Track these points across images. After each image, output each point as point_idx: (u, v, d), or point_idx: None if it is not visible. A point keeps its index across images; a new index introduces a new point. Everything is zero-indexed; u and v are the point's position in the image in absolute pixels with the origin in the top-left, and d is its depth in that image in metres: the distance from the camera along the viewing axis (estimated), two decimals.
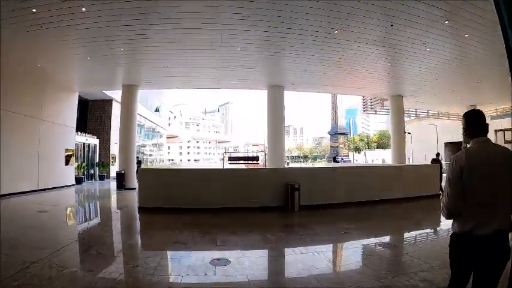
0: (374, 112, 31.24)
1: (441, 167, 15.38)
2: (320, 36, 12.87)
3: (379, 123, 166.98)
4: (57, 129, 19.08)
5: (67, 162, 20.05)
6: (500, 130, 35.90)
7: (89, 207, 12.98)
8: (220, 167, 29.08)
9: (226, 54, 14.70)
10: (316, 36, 12.86)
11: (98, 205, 13.24)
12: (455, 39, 12.86)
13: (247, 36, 12.74)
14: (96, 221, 10.01)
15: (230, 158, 28.48)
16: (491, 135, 32.01)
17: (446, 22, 11.26)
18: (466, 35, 12.37)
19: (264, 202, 10.64)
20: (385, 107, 27.92)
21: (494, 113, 33.98)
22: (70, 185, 19.94)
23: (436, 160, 16.02)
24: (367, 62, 15.98)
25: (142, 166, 24.29)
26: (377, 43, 13.52)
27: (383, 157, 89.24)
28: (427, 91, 22.50)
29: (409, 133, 27.35)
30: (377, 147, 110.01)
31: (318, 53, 14.71)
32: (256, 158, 27.16)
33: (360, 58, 15.36)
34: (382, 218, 10.07)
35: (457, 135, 42.71)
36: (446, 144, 46.96)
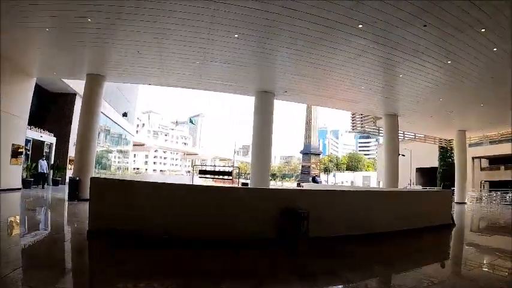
0: (363, 131, 29.38)
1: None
2: (314, 42, 11.52)
3: (347, 145, 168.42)
4: (4, 119, 15.54)
5: (15, 161, 16.66)
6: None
7: (17, 224, 9.20)
8: (188, 180, 26.73)
9: (213, 47, 12.43)
10: (309, 42, 11.51)
11: (32, 221, 9.69)
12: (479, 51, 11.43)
13: (240, 29, 10.86)
14: (15, 251, 5.85)
15: (201, 172, 27.30)
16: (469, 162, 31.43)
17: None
18: (495, 49, 11.20)
19: (256, 233, 7.33)
20: (376, 126, 26.00)
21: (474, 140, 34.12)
22: (13, 189, 16.32)
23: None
24: (366, 73, 14.36)
25: (97, 174, 21.33)
26: (379, 54, 12.30)
27: (352, 179, 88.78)
28: (424, 111, 20.63)
29: (404, 155, 25.31)
30: (346, 169, 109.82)
31: (313, 59, 13.07)
32: (229, 173, 25.32)
33: (358, 69, 13.89)
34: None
35: (431, 161, 41.94)
36: (418, 169, 46.25)
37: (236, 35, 11.29)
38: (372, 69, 13.85)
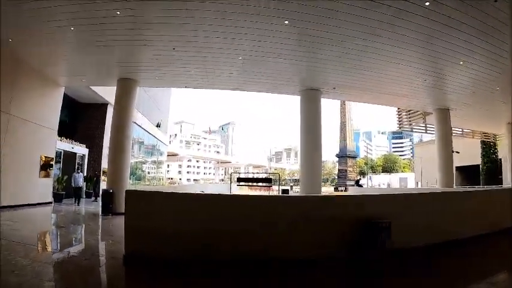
0: (410, 129, 27.21)
1: None
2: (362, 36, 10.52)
3: (380, 147, 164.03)
4: (32, 130, 14.65)
5: (45, 174, 15.61)
6: None
7: (43, 245, 8.17)
8: (226, 189, 25.33)
9: (259, 40, 11.02)
10: (356, 37, 10.65)
11: (59, 242, 8.41)
12: None
13: (289, 15, 9.53)
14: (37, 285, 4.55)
15: (239, 179, 25.29)
16: None
17: None
18: None
19: (321, 248, 5.79)
20: (424, 123, 23.81)
21: None
22: (43, 204, 15.23)
23: None
24: (422, 63, 12.82)
25: (132, 185, 20.01)
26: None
27: (388, 181, 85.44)
28: (476, 103, 18.50)
29: (458, 152, 23.08)
30: (382, 171, 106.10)
31: (361, 51, 11.70)
32: (269, 180, 23.87)
33: (411, 59, 12.35)
34: None
35: (470, 158, 37.89)
36: (457, 168, 42.32)
37: (286, 21, 9.80)
38: (428, 59, 12.26)
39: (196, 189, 16.74)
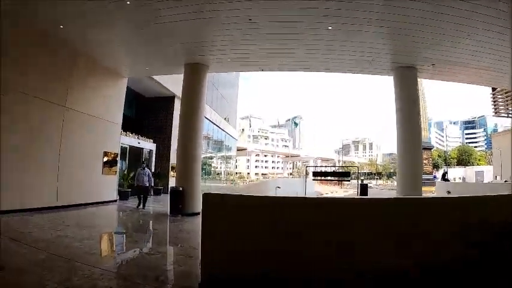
0: (506, 115, 23.51)
1: None
2: None
3: (452, 137, 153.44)
4: (94, 125, 13.45)
5: (109, 170, 14.41)
6: None
7: (98, 257, 6.51)
8: (301, 183, 23.42)
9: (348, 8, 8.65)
10: None
11: (119, 257, 6.63)
12: None
13: None
14: None
15: (315, 174, 23.91)
16: None
17: None
18: None
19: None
20: None
21: None
22: (107, 202, 14.07)
23: None
24: None
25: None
26: None
27: (463, 174, 78.61)
28: None
29: None
30: (456, 164, 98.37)
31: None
32: (347, 174, 22.10)
33: None
34: None
35: None
36: None
37: None
38: None
39: (270, 186, 14.81)
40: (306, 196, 7.83)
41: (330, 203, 4.81)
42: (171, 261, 6.35)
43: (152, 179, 14.37)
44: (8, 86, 9.42)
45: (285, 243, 4.05)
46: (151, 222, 11.28)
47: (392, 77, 13.01)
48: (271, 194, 14.93)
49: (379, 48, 11.12)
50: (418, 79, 13.29)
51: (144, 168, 13.72)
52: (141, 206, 13.17)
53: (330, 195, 29.39)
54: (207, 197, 4.41)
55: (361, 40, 10.56)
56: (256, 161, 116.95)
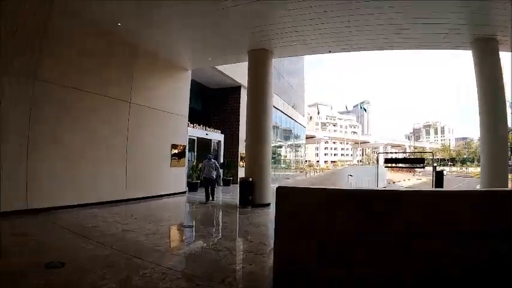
0: None
1: None
2: None
3: None
4: (161, 118, 13.45)
5: (177, 163, 14.36)
6: None
7: (163, 250, 6.36)
8: (372, 171, 22.16)
9: None
10: None
11: (187, 251, 6.40)
12: None
13: None
14: None
15: (387, 161, 22.88)
16: None
17: None
18: None
19: None
20: None
21: None
22: (177, 194, 14.14)
23: None
24: None
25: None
26: None
27: None
28: None
29: None
30: None
31: None
32: (422, 161, 20.77)
33: None
34: None
35: None
36: None
37: None
38: None
39: (344, 175, 13.95)
40: (408, 188, 6.80)
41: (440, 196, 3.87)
42: (239, 259, 5.84)
43: (220, 170, 13.80)
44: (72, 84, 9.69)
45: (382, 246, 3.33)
46: (220, 214, 10.96)
47: (470, 50, 11.33)
48: (344, 183, 14.14)
49: (454, 17, 9.70)
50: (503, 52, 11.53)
51: (210, 160, 12.98)
52: (211, 198, 12.72)
53: (402, 183, 27.87)
54: (283, 191, 3.82)
55: (434, 10, 9.29)
56: (325, 148, 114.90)
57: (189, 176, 15.70)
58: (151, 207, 11.17)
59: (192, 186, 15.52)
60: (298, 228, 3.70)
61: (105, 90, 10.81)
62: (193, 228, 8.38)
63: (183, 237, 7.38)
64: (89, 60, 10.16)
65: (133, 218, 9.12)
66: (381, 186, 20.16)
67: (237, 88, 20.54)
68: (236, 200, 12.40)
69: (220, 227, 8.92)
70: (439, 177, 17.34)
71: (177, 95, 14.62)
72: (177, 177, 14.41)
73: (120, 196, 11.25)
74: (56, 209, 9.00)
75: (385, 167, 23.23)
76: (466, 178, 36.23)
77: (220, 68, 16.86)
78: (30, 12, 8.47)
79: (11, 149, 8.23)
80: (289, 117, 32.09)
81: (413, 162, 22.72)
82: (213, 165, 12.92)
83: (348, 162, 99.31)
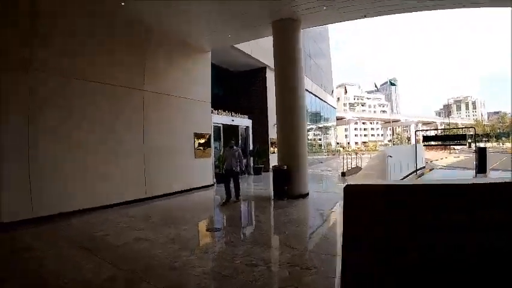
0: None
1: None
2: None
3: None
4: (180, 105, 12.03)
5: (202, 153, 13.03)
6: None
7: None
8: (410, 150, 20.27)
9: None
10: None
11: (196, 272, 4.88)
12: None
13: None
14: None
15: (426, 139, 21.65)
16: None
17: None
18: None
19: None
20: None
21: None
22: (204, 187, 12.80)
23: None
24: None
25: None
26: None
27: None
28: None
29: None
30: None
31: None
32: (463, 137, 20.42)
33: None
34: None
35: None
36: None
37: None
38: None
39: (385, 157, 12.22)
40: None
41: None
42: (281, 277, 4.26)
43: (243, 160, 11.28)
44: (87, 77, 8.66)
45: None
46: (252, 210, 9.40)
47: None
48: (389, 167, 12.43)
49: None
50: None
51: (232, 147, 10.23)
52: (234, 197, 10.04)
53: (440, 162, 26.07)
54: (354, 190, 2.37)
55: None
56: (355, 129, 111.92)
57: (216, 167, 14.31)
58: (173, 206, 9.79)
59: (220, 178, 14.11)
60: (379, 239, 2.20)
61: (113, 79, 9.49)
62: (221, 231, 6.85)
63: (208, 247, 5.81)
64: (91, 47, 8.89)
65: (151, 221, 7.74)
66: (420, 165, 18.42)
67: (262, 69, 18.93)
68: (269, 190, 10.97)
69: (254, 227, 7.34)
70: (482, 154, 15.48)
71: (197, 79, 13.14)
72: (202, 169, 13.03)
73: (139, 195, 10.01)
74: (67, 214, 7.83)
75: (425, 145, 21.51)
76: (503, 154, 34.08)
77: (242, 48, 15.30)
78: None
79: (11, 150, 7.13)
80: (319, 98, 30.30)
81: (455, 139, 21.89)
82: (236, 154, 10.12)
83: (379, 143, 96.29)
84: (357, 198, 2.38)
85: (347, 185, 2.39)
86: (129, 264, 4.62)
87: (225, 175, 10.25)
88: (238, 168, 10.07)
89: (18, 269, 4.57)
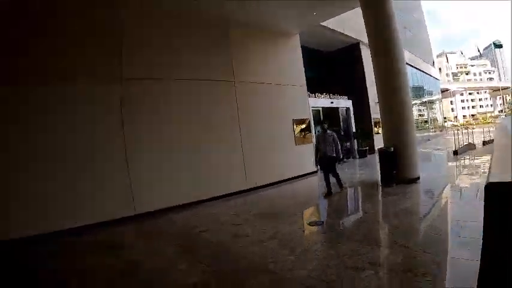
0: None
1: None
2: None
3: None
4: (275, 93, 11.58)
5: (302, 139, 12.33)
6: None
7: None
8: None
9: None
10: None
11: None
12: None
13: None
14: None
15: None
16: None
17: None
18: None
19: None
20: None
21: None
22: (308, 174, 12.14)
23: None
24: None
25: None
26: None
27: None
28: None
29: None
30: None
31: None
32: None
33: None
34: None
35: None
36: None
37: None
38: None
39: None
40: None
41: None
42: (391, 286, 3.43)
43: (341, 145, 9.36)
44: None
45: None
46: (358, 199, 8.40)
47: None
48: None
49: None
50: None
51: (325, 131, 8.68)
52: (339, 188, 8.78)
53: None
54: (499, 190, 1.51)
55: None
56: (461, 101, 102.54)
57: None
58: (273, 197, 9.29)
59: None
60: None
61: (203, 74, 9.47)
62: (324, 225, 5.98)
63: (308, 244, 4.97)
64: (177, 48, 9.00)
65: (251, 213, 7.31)
66: None
67: (355, 46, 17.58)
68: (375, 175, 9.96)
69: (359, 220, 6.30)
70: None
71: (288, 63, 12.49)
72: (303, 157, 12.29)
73: (240, 187, 9.91)
74: (170, 209, 8.02)
75: None
76: None
77: (330, 26, 14.29)
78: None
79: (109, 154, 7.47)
80: (420, 70, 27.85)
81: None
82: (331, 138, 8.55)
83: (489, 114, 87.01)
84: (505, 200, 1.48)
85: (489, 183, 1.52)
86: (222, 264, 4.44)
87: (321, 164, 9.01)
88: (335, 154, 8.52)
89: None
